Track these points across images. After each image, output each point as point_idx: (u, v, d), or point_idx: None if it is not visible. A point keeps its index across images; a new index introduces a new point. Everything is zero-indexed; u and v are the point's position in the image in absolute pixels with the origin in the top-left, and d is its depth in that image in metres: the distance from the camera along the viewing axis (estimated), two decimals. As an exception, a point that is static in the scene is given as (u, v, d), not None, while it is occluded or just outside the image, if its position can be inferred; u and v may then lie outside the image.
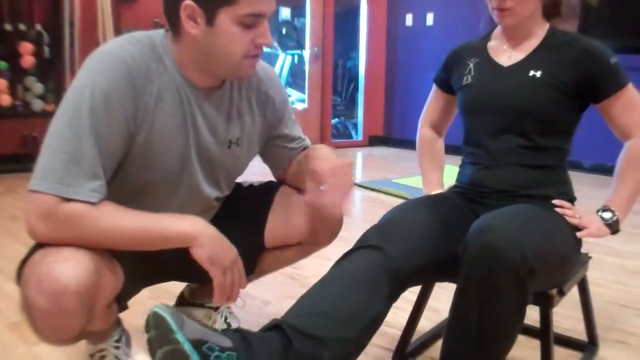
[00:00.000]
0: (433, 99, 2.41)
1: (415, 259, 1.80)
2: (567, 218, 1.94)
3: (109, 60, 1.58)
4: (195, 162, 1.77)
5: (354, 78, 9.80)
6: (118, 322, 1.94)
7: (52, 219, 1.49)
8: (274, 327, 1.61)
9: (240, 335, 1.54)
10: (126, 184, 1.71)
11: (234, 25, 1.59)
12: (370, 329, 1.69)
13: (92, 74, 1.56)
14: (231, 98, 1.82)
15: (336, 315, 1.63)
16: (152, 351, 1.46)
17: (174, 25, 1.65)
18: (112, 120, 1.55)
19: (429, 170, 2.40)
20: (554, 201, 1.99)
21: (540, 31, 2.08)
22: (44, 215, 1.49)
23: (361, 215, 4.88)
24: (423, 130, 2.44)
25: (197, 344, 1.43)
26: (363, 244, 1.82)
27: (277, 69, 9.74)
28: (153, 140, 1.66)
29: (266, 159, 2.06)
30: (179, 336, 1.42)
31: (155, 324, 1.44)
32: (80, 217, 1.51)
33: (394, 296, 1.76)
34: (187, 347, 1.41)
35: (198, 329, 1.47)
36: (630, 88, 2.00)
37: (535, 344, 1.96)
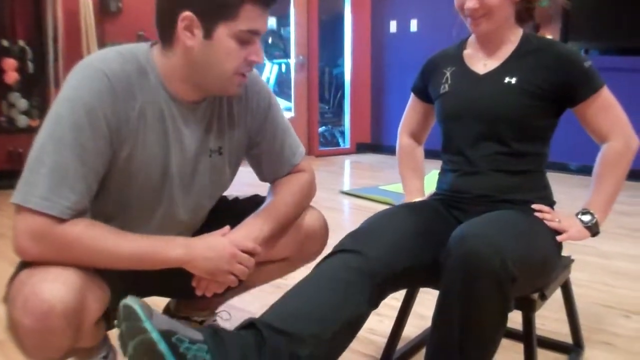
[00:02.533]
0: (411, 108, 2.43)
1: (393, 262, 1.80)
2: (546, 222, 1.95)
3: (90, 74, 1.58)
4: (176, 177, 1.77)
5: (341, 85, 9.81)
6: (105, 339, 1.94)
7: (45, 241, 1.51)
8: (247, 325, 1.60)
9: (212, 330, 1.53)
10: (107, 200, 1.71)
11: (231, 40, 1.60)
12: (348, 330, 1.69)
13: (74, 88, 1.56)
14: (213, 109, 1.82)
15: (312, 314, 1.63)
16: (124, 346, 1.44)
17: (167, 35, 1.65)
18: (96, 133, 1.56)
19: (410, 179, 2.41)
20: (534, 206, 2.00)
21: (514, 37, 2.09)
22: (36, 237, 1.51)
23: (348, 223, 4.88)
24: (402, 139, 2.46)
25: (167, 334, 1.41)
26: (340, 249, 1.83)
27: (263, 78, 9.70)
28: (135, 156, 1.66)
29: (252, 167, 2.04)
30: (147, 325, 1.40)
31: (125, 316, 1.42)
32: (76, 240, 1.53)
33: (372, 300, 1.76)
34: (155, 336, 1.39)
35: (167, 321, 1.47)
36: (605, 91, 2.02)
37: (520, 348, 1.97)
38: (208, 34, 1.59)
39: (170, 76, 1.69)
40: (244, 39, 1.61)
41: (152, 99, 1.67)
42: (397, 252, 1.83)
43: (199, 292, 1.77)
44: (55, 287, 1.48)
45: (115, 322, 1.47)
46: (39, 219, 1.50)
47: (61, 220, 1.52)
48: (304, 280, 1.76)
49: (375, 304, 1.78)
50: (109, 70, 1.59)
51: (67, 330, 1.50)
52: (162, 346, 1.40)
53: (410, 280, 1.95)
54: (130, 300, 1.44)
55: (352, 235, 1.89)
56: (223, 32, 1.59)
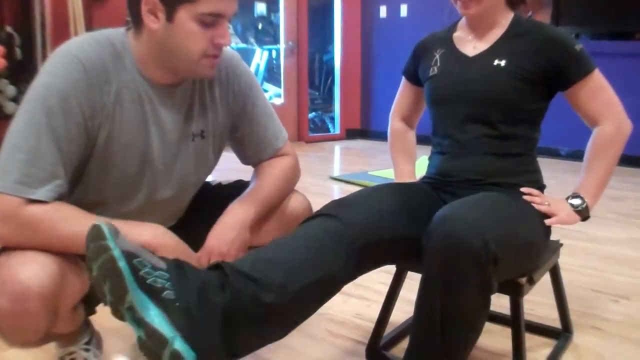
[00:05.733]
0: (403, 92, 2.41)
1: (371, 231, 1.78)
2: (535, 205, 1.94)
3: (65, 60, 1.57)
4: (157, 161, 1.76)
5: (332, 72, 9.78)
6: (88, 324, 1.93)
7: (11, 222, 1.49)
8: (215, 267, 1.57)
9: (176, 262, 1.50)
10: (88, 188, 1.70)
11: (193, 22, 1.58)
12: (317, 289, 1.64)
13: (49, 74, 1.56)
14: (193, 92, 1.80)
15: (282, 265, 1.59)
16: (89, 270, 1.40)
17: (136, 19, 1.64)
18: (69, 119, 1.55)
19: (401, 163, 2.40)
20: (522, 189, 1.99)
21: (505, 20, 2.08)
22: (4, 218, 1.49)
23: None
24: (394, 123, 2.44)
25: (129, 255, 1.39)
26: (319, 213, 1.81)
27: (253, 64, 9.71)
28: (113, 140, 1.66)
29: (234, 150, 2.03)
30: (110, 243, 1.37)
31: (92, 236, 1.39)
32: (40, 221, 1.50)
33: (348, 268, 1.71)
34: (116, 253, 1.36)
35: (132, 245, 1.43)
36: (597, 74, 2.00)
37: (509, 332, 1.96)
38: (170, 17, 1.58)
39: (144, 60, 1.68)
40: (207, 22, 1.59)
41: (128, 83, 1.66)
42: (377, 222, 1.81)
43: None
44: (33, 269, 1.47)
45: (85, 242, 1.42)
46: (9, 200, 1.49)
47: (30, 202, 1.50)
48: (282, 237, 1.73)
49: (351, 274, 1.74)
50: (85, 57, 1.59)
51: (44, 312, 1.49)
52: (122, 264, 1.36)
53: (390, 254, 1.91)
54: (98, 222, 1.41)
55: (335, 202, 1.87)
56: (184, 15, 1.58)
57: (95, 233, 1.39)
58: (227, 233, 1.78)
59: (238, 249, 1.79)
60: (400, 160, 2.42)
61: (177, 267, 1.48)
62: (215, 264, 1.58)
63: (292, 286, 1.57)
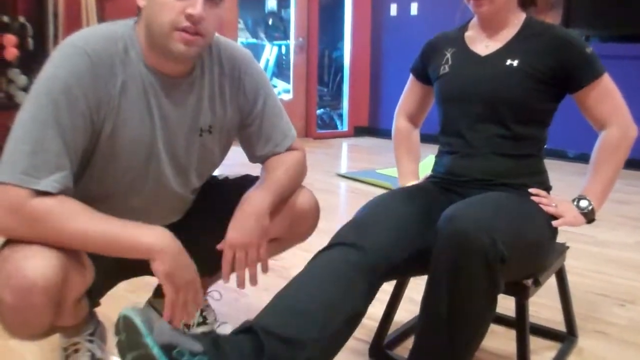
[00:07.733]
0: (409, 90, 2.40)
1: (393, 254, 1.79)
2: (542, 206, 1.94)
3: (71, 53, 1.58)
4: (163, 154, 1.76)
5: (341, 68, 9.77)
6: (92, 315, 1.92)
7: (17, 214, 1.48)
8: (247, 329, 1.58)
9: (211, 339, 1.51)
10: (93, 180, 1.70)
11: None
12: (348, 327, 1.67)
13: (55, 67, 1.56)
14: (202, 85, 1.80)
15: (311, 316, 1.61)
16: (122, 354, 1.44)
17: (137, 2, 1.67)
18: (74, 111, 1.55)
19: (404, 162, 2.39)
20: (530, 190, 2.00)
21: (517, 21, 2.08)
22: (10, 210, 1.48)
23: (343, 206, 4.87)
24: (399, 121, 2.44)
25: (167, 349, 1.41)
26: (338, 241, 1.81)
27: (263, 59, 9.72)
28: (118, 133, 1.66)
29: (242, 147, 2.03)
30: (149, 340, 1.40)
31: (125, 328, 1.42)
32: (45, 215, 1.49)
33: (371, 293, 1.75)
34: (156, 351, 1.39)
35: (168, 333, 1.45)
36: (606, 78, 2.00)
37: (514, 334, 1.96)
38: None
39: (146, 50, 1.68)
40: None
41: (134, 75, 1.67)
42: (397, 243, 1.82)
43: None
44: (38, 263, 1.47)
45: (114, 330, 1.46)
46: (16, 192, 1.48)
47: (36, 194, 1.49)
48: (302, 276, 1.74)
49: (373, 295, 1.77)
50: (91, 50, 1.59)
51: (49, 306, 1.50)
52: None
53: (408, 270, 1.94)
54: (129, 312, 1.43)
55: (350, 227, 1.87)
56: None
57: (129, 326, 1.42)
58: (247, 222, 1.77)
59: (260, 237, 1.78)
60: (404, 159, 2.41)
61: (214, 345, 1.50)
62: (247, 327, 1.58)
63: (325, 334, 1.60)
